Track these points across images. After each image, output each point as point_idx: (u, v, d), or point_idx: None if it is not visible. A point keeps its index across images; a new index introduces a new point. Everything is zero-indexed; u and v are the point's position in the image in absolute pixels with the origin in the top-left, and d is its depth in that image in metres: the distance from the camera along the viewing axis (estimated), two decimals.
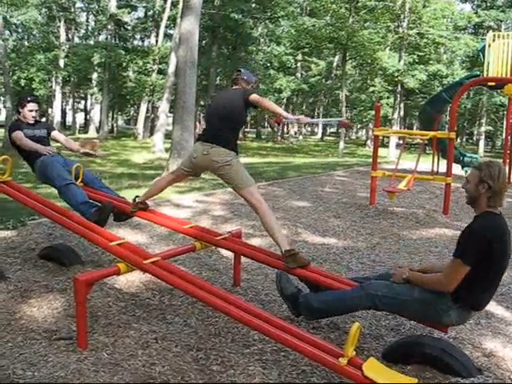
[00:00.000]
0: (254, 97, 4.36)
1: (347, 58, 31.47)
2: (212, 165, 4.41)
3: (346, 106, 34.91)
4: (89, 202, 4.97)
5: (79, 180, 5.33)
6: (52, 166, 5.19)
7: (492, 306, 4.46)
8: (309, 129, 64.37)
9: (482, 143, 38.68)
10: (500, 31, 28.01)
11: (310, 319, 3.30)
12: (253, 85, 4.74)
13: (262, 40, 38.74)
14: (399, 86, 31.88)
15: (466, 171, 15.84)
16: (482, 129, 39.72)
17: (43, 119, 34.99)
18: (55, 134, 5.79)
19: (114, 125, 49.37)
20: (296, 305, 3.69)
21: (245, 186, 4.39)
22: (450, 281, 3.19)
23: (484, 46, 12.53)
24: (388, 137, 30.89)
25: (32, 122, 5.51)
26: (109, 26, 37.52)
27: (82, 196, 5.01)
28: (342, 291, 3.65)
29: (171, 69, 26.14)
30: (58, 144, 5.86)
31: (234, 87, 4.70)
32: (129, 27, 44.27)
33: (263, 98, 4.43)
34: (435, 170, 11.54)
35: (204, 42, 30.61)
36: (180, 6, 20.51)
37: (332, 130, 66.05)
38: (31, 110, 5.49)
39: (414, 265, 3.83)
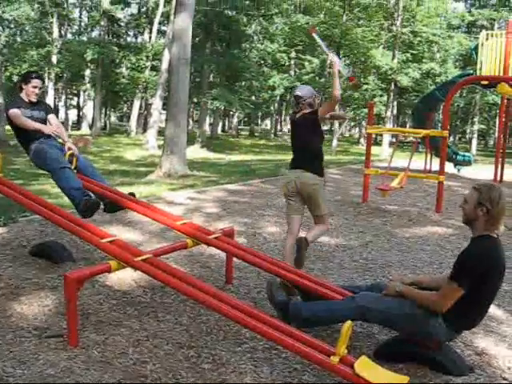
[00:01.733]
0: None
1: (341, 56, 31.46)
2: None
3: (339, 104, 34.89)
4: (81, 189, 4.91)
5: (73, 166, 5.17)
6: (48, 149, 5.07)
7: None
8: None
9: (474, 142, 38.77)
10: (493, 30, 28.08)
11: (299, 328, 3.31)
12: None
13: (255, 37, 38.63)
14: (392, 85, 31.96)
15: (459, 170, 15.91)
16: (475, 127, 39.82)
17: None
18: (51, 117, 5.51)
19: (107, 121, 49.16)
20: (286, 313, 3.66)
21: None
22: (444, 302, 3.19)
23: (477, 45, 12.56)
24: (381, 135, 30.99)
25: (34, 100, 5.30)
26: (102, 22, 37.35)
27: (75, 182, 4.94)
28: (332, 302, 3.65)
29: (164, 65, 26.10)
30: None
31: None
32: (122, 23, 44.05)
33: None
34: (428, 168, 11.57)
35: (197, 38, 30.41)
36: (173, 2, 20.44)
37: (325, 127, 65.99)
38: (35, 87, 5.27)
39: (406, 277, 3.83)
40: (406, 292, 3.37)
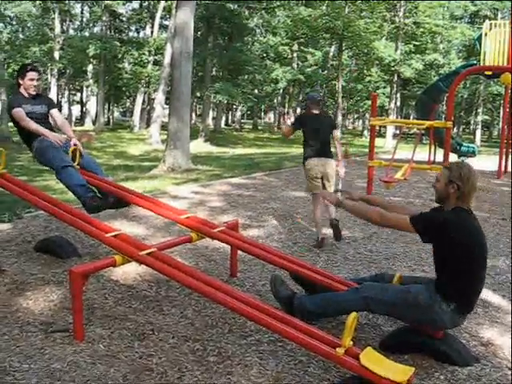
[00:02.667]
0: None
1: (343, 48, 31.39)
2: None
3: (343, 97, 34.85)
4: (85, 186, 4.91)
5: (76, 162, 5.14)
6: (51, 146, 5.04)
7: (489, 295, 4.47)
8: None
9: (478, 133, 38.65)
10: (496, 20, 27.93)
11: (305, 321, 3.31)
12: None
13: (257, 30, 38.59)
14: (395, 76, 31.83)
15: (463, 160, 15.87)
16: (479, 118, 39.70)
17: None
18: (54, 112, 5.44)
19: (110, 117, 49.21)
20: (290, 307, 3.67)
21: None
22: (386, 220, 3.41)
23: (480, 35, 12.50)
24: (385, 127, 30.91)
25: (33, 92, 5.25)
26: (104, 18, 37.35)
27: (79, 179, 4.93)
28: (337, 293, 3.65)
29: (167, 60, 26.05)
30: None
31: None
32: (124, 18, 44.08)
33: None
34: (432, 159, 11.54)
35: (199, 32, 30.39)
36: None
37: None
38: (32, 79, 5.21)
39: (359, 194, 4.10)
40: (347, 203, 3.69)
